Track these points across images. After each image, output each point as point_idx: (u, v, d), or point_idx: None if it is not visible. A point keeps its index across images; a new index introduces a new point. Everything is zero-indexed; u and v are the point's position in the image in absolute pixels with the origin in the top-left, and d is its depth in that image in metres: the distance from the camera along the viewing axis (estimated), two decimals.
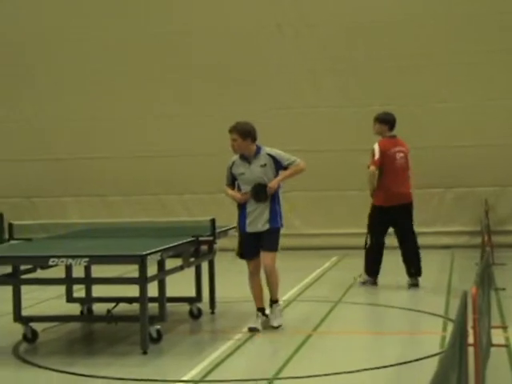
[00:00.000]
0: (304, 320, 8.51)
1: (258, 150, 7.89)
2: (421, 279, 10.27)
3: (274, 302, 8.03)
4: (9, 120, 15.43)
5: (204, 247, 8.51)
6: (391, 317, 8.72)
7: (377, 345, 7.50)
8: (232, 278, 11.24)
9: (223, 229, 8.84)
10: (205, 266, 8.87)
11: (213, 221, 8.16)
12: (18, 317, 7.60)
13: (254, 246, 7.86)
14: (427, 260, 12.60)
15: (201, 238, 8.08)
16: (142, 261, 6.85)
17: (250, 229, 7.85)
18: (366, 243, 10.39)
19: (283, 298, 9.58)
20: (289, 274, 11.28)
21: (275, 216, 7.88)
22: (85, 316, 8.70)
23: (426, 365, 6.36)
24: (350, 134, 13.47)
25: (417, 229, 12.22)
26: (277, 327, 7.84)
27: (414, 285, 10.18)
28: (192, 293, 8.68)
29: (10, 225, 8.42)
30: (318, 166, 14.01)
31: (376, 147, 10.13)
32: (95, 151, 15.17)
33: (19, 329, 7.61)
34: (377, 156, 10.05)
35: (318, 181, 14.24)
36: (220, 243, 8.80)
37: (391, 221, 10.29)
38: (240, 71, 14.75)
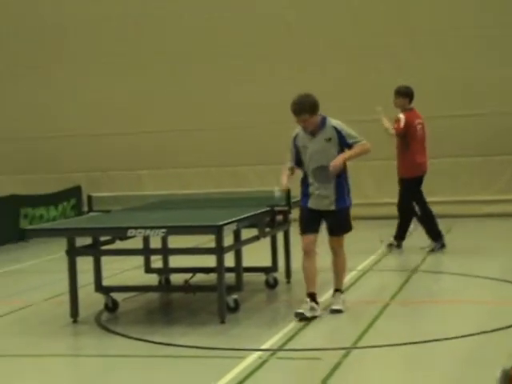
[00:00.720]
0: (380, 289, 8.48)
1: (323, 120, 7.17)
2: (503, 248, 10.20)
3: (336, 290, 7.44)
4: (84, 96, 15.69)
5: (279, 217, 8.52)
6: (471, 285, 8.56)
7: (457, 314, 7.38)
8: None
9: (298, 199, 8.82)
10: (280, 235, 8.89)
11: (288, 191, 8.14)
12: (98, 287, 7.78)
13: (313, 221, 7.22)
14: (506, 228, 12.40)
15: (276, 208, 8.08)
16: (218, 231, 6.90)
17: (311, 204, 7.24)
18: (416, 213, 10.75)
19: (359, 267, 9.57)
20: (363, 243, 11.27)
21: (342, 194, 7.21)
22: (163, 286, 8.84)
23: (510, 334, 6.26)
24: (430, 101, 13.23)
25: (493, 197, 12.19)
26: (336, 310, 7.23)
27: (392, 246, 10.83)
28: (268, 262, 8.72)
29: (89, 197, 8.57)
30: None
31: (402, 117, 10.36)
32: (169, 125, 15.32)
33: (100, 298, 7.79)
34: (402, 125, 10.30)
35: (391, 149, 14.04)
36: (295, 213, 8.78)
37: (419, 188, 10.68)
38: (305, 36, 14.67)
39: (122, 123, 15.54)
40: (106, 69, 15.64)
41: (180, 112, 15.31)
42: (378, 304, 7.60)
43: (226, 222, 6.97)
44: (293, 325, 6.92)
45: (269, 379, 5.60)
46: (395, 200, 13.88)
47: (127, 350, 6.46)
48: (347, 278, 8.87)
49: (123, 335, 6.87)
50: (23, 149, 15.94)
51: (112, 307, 7.76)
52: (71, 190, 15.33)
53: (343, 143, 7.17)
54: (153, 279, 8.90)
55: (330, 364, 5.70)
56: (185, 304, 8.14)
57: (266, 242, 8.50)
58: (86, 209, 9.43)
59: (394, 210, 15.18)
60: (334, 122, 7.19)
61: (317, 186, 7.23)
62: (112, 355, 6.37)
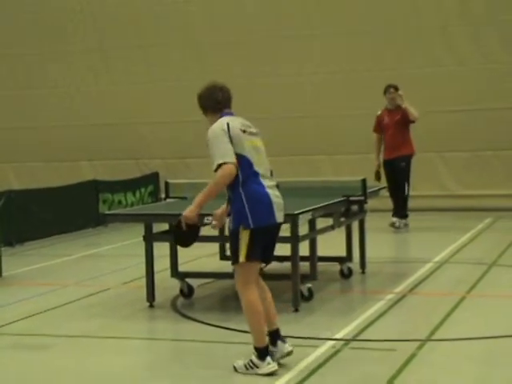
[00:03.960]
0: (457, 282, 8.34)
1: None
2: None
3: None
4: (163, 84, 15.87)
5: (354, 207, 8.47)
6: None
7: None
8: (383, 239, 11.20)
9: (374, 189, 8.78)
10: (355, 225, 8.84)
11: (364, 181, 8.10)
12: (174, 272, 7.87)
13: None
14: None
15: (352, 198, 8.04)
16: (293, 220, 6.90)
17: None
18: (405, 193, 11.57)
19: (435, 259, 9.43)
20: (442, 235, 11.13)
21: (237, 212, 5.78)
22: None
23: None
24: (507, 92, 13.02)
25: None
26: (234, 368, 5.53)
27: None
28: (342, 252, 8.68)
29: (167, 183, 8.67)
30: (471, 126, 13.65)
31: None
32: (250, 111, 15.30)
33: (176, 284, 7.89)
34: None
35: (472, 141, 13.84)
36: (370, 204, 8.73)
37: None
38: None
39: (198, 110, 15.60)
40: (190, 57, 15.75)
41: (259, 100, 15.22)
42: (455, 296, 7.49)
43: (301, 210, 6.96)
44: (367, 315, 6.88)
45: (342, 369, 5.57)
46: (477, 192, 14.11)
47: (201, 335, 6.53)
48: (423, 270, 8.79)
49: (198, 321, 6.95)
50: (103, 135, 16.22)
51: (187, 293, 7.85)
52: (149, 176, 15.57)
53: None
54: (227, 266, 8.93)
55: (405, 355, 5.65)
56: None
57: (340, 231, 8.47)
58: (163, 195, 9.60)
59: (475, 202, 14.87)
60: (214, 125, 5.86)
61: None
62: (186, 340, 6.45)
